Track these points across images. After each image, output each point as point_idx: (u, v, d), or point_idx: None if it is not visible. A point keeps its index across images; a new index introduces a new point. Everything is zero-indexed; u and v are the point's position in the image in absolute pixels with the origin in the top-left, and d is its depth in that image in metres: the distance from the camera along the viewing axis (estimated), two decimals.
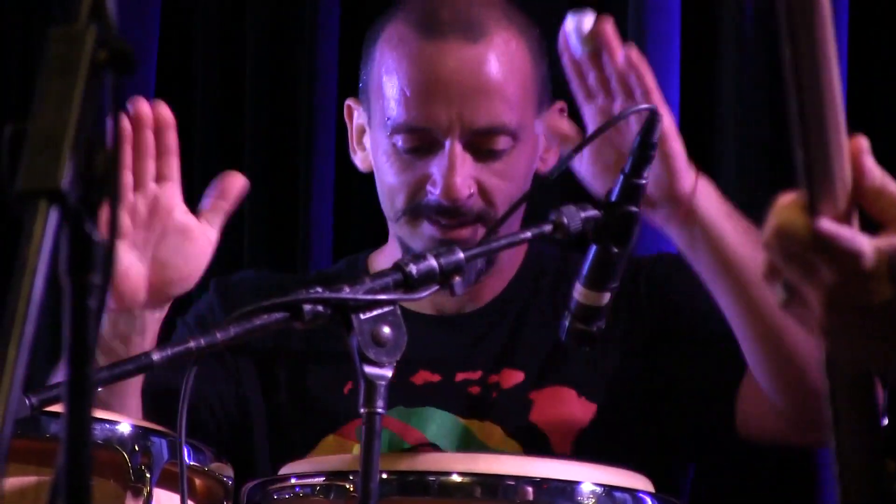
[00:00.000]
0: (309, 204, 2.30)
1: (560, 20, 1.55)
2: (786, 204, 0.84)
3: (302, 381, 1.79)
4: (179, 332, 1.79)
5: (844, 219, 0.83)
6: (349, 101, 1.80)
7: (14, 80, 2.44)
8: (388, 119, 1.71)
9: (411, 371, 1.72)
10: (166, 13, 2.41)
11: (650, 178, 1.38)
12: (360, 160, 1.81)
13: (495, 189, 1.69)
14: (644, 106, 1.43)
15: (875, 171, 0.85)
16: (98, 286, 0.80)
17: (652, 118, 1.36)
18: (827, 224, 0.82)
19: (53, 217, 0.77)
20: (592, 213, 1.36)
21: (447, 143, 1.67)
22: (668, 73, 2.09)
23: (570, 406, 1.70)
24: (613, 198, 1.36)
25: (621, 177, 1.36)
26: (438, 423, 1.72)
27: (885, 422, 0.97)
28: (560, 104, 1.75)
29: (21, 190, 0.77)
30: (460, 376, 1.71)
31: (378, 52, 1.74)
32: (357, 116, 1.79)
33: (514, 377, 1.72)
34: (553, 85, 1.79)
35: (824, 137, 0.80)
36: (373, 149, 1.76)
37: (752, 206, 1.57)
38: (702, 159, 1.64)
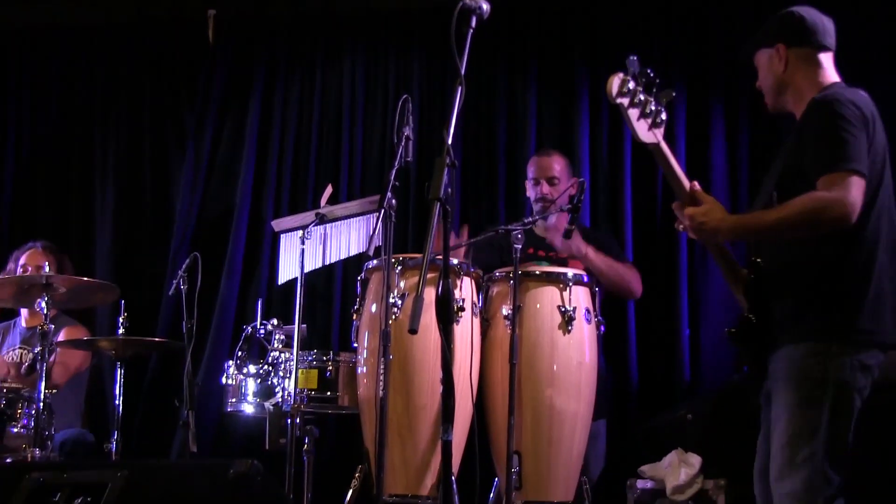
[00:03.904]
0: None
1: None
2: (677, 204, 3.20)
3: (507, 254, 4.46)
4: None
5: (690, 205, 3.15)
6: (526, 182, 5.22)
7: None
8: (529, 176, 5.15)
9: (536, 250, 4.98)
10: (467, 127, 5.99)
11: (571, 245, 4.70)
12: (528, 193, 5.19)
13: (555, 194, 5.02)
14: (579, 179, 4.33)
15: (697, 189, 3.20)
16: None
17: (581, 185, 4.22)
18: (687, 208, 3.17)
19: (438, 207, 2.80)
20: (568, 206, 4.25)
21: (542, 181, 5.08)
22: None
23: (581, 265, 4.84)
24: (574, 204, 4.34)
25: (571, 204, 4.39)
26: (544, 265, 4.60)
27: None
28: (575, 179, 4.89)
29: (429, 197, 2.81)
30: (551, 254, 4.96)
31: (528, 164, 5.24)
32: (527, 183, 5.17)
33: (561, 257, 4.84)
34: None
35: (680, 192, 3.20)
36: (528, 188, 5.16)
37: None
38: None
